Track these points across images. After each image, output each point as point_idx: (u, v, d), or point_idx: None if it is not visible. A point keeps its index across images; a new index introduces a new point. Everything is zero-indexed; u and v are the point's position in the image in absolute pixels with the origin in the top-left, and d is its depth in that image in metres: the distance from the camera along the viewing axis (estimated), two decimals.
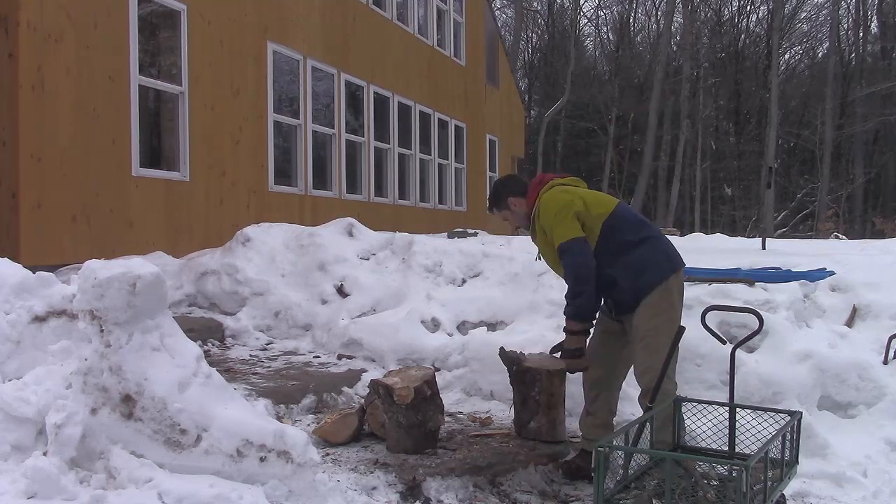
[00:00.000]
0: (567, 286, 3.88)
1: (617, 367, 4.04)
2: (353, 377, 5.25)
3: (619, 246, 3.81)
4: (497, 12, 31.90)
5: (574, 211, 3.82)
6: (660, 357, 3.59)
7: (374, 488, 3.45)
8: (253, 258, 6.76)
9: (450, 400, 4.90)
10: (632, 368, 3.95)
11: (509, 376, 4.28)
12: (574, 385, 4.61)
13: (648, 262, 3.80)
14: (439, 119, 16.20)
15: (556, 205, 3.87)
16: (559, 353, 4.08)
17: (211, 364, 3.22)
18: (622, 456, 3.29)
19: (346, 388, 5.06)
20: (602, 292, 3.89)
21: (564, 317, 3.93)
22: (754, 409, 3.91)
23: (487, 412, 4.77)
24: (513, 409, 4.31)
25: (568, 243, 3.79)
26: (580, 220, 3.82)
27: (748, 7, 40.98)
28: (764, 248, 10.60)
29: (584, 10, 51.79)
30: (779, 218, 32.19)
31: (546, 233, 3.90)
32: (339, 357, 5.77)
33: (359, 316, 6.13)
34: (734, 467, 3.05)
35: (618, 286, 3.82)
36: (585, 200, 3.89)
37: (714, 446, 3.82)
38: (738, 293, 5.42)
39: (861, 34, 38.69)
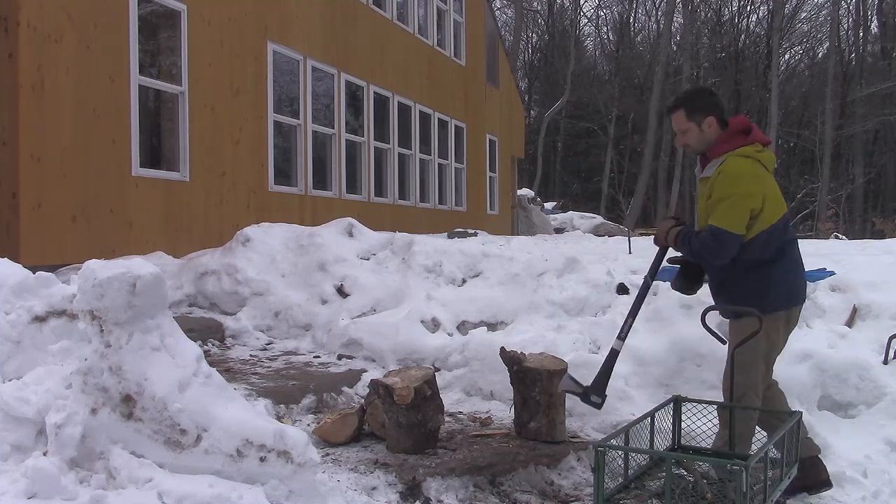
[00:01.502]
0: (698, 245, 3.61)
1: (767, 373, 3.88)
2: (353, 377, 5.25)
3: (752, 258, 3.59)
4: (497, 12, 31.90)
5: (751, 206, 3.51)
6: (748, 376, 3.56)
7: (374, 488, 3.45)
8: (253, 258, 6.76)
9: (450, 400, 4.90)
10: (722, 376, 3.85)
11: (510, 376, 4.28)
12: None
13: (771, 286, 3.60)
14: (439, 119, 16.19)
15: (740, 184, 3.51)
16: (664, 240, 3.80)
17: (211, 364, 3.22)
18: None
19: (346, 388, 5.06)
20: (727, 289, 3.71)
21: (686, 232, 3.67)
22: (754, 409, 3.91)
23: (487, 412, 4.77)
24: (513, 409, 4.31)
25: (725, 233, 3.50)
26: (752, 215, 3.52)
27: (748, 7, 41.01)
28: None
29: (584, 10, 51.82)
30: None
31: (713, 195, 3.56)
32: (339, 357, 5.77)
33: (359, 316, 6.13)
34: (734, 467, 3.05)
35: (734, 287, 3.65)
36: (766, 199, 3.56)
37: None
38: None
39: (861, 34, 38.72)
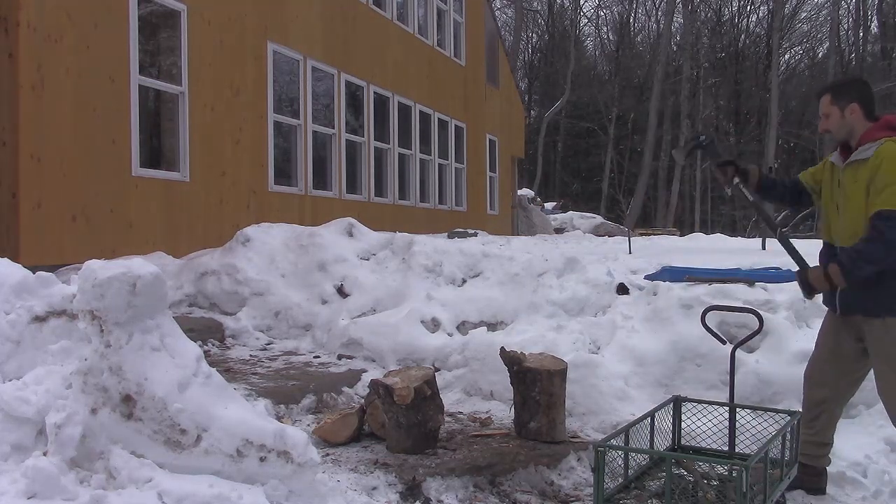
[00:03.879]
0: (864, 248, 3.39)
1: (847, 389, 3.79)
2: (353, 377, 5.25)
3: None
4: (497, 12, 31.89)
5: None
6: None
7: (374, 488, 3.45)
8: (253, 258, 6.76)
9: (450, 400, 4.90)
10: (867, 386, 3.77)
11: (509, 377, 4.28)
12: (574, 385, 4.62)
13: None
14: (439, 119, 16.19)
15: None
16: (797, 275, 3.69)
17: (211, 364, 3.22)
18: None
19: (346, 388, 5.06)
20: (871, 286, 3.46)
21: (840, 261, 3.47)
22: (754, 409, 3.92)
23: (487, 412, 4.77)
24: (513, 409, 4.31)
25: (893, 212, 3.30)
26: None
27: (748, 7, 41.04)
28: (764, 248, 10.60)
29: (584, 10, 51.82)
30: (779, 218, 32.15)
31: (874, 181, 3.38)
32: (339, 357, 5.77)
33: (359, 316, 6.13)
34: (734, 467, 3.05)
35: (881, 287, 3.43)
36: None
37: (714, 446, 3.82)
38: (738, 293, 5.43)
39: (861, 34, 38.73)
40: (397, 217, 13.85)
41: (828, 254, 3.70)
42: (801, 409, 3.88)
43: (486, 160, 19.18)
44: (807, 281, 3.63)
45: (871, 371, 3.70)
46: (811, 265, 3.71)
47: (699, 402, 3.88)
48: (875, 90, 4.00)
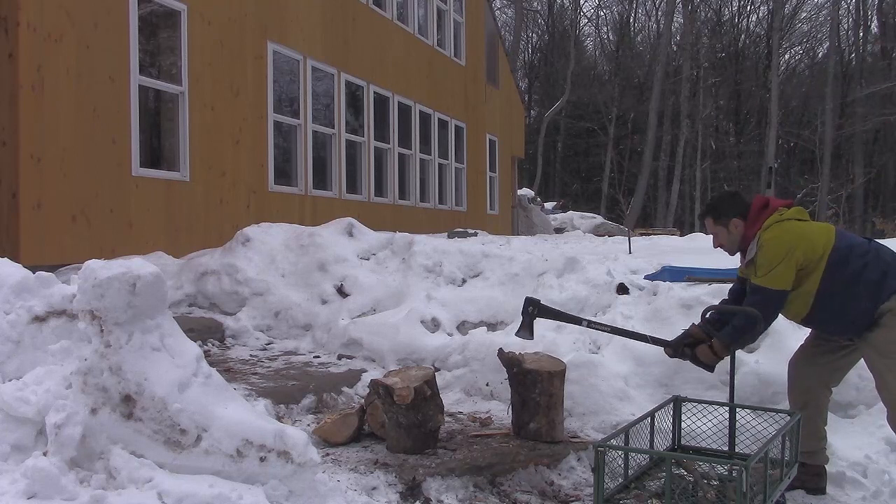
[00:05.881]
0: (743, 318, 3.76)
1: (830, 379, 3.97)
2: (353, 377, 5.25)
3: (852, 273, 3.69)
4: (497, 12, 31.90)
5: (795, 259, 3.67)
6: None
7: (374, 488, 3.45)
8: (253, 258, 6.76)
9: (450, 400, 4.90)
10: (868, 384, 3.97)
11: (509, 378, 4.28)
12: (574, 385, 4.62)
13: (886, 269, 3.69)
14: (439, 119, 16.20)
15: (780, 247, 3.69)
16: (688, 354, 4.00)
17: (211, 364, 3.22)
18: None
19: (346, 388, 5.06)
20: (835, 320, 3.77)
21: (720, 337, 3.83)
22: (754, 409, 3.92)
23: (487, 412, 4.77)
24: (511, 410, 4.31)
25: (771, 291, 3.69)
26: (799, 267, 3.69)
27: (748, 7, 41.05)
28: None
29: (584, 10, 51.84)
30: None
31: (755, 262, 3.77)
32: (339, 357, 5.77)
33: (359, 316, 6.13)
34: (734, 467, 3.05)
35: (858, 304, 3.69)
36: (811, 241, 3.71)
37: (714, 446, 3.82)
38: None
39: (861, 34, 38.73)
40: (397, 217, 13.85)
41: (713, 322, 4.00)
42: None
43: (486, 160, 19.18)
44: (702, 362, 3.95)
45: (863, 369, 3.92)
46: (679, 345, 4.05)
47: (699, 402, 3.88)
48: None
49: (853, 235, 3.97)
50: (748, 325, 3.73)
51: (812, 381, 3.94)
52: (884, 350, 3.70)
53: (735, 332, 3.78)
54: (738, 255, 4.05)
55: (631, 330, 4.52)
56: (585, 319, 4.31)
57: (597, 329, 4.32)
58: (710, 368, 3.97)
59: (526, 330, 4.25)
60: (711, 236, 4.04)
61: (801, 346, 4.04)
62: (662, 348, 4.15)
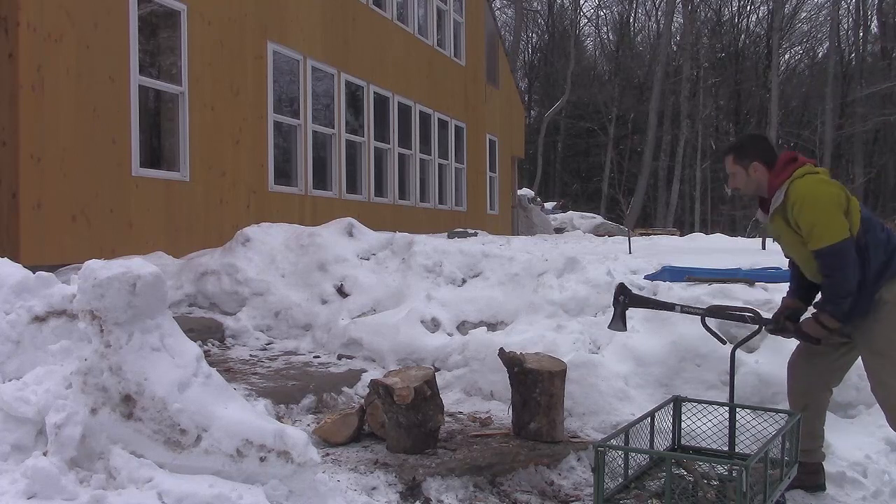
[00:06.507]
0: (830, 285, 3.60)
1: (830, 378, 3.92)
2: (353, 377, 5.25)
3: (874, 240, 3.61)
4: (497, 12, 31.90)
5: (841, 206, 3.53)
6: None
7: (374, 488, 3.45)
8: (253, 258, 6.76)
9: (450, 400, 4.90)
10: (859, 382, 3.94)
11: (509, 378, 4.28)
12: (574, 385, 4.62)
13: (893, 253, 3.60)
14: (439, 119, 16.19)
15: (821, 198, 3.54)
16: (791, 328, 3.86)
17: (211, 364, 3.22)
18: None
19: (346, 388, 5.06)
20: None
21: (823, 308, 3.66)
22: (754, 409, 3.92)
23: (487, 412, 4.77)
24: (511, 409, 4.31)
25: (838, 245, 3.50)
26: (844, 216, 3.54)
27: (748, 7, 41.05)
28: (764, 248, 10.60)
29: (584, 10, 51.85)
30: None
31: (800, 226, 3.59)
32: (339, 357, 5.77)
33: (359, 316, 6.13)
34: (734, 467, 3.05)
35: (868, 273, 3.59)
36: (847, 194, 3.60)
37: (714, 446, 3.82)
38: (738, 293, 5.43)
39: (861, 34, 38.73)
40: (397, 217, 13.85)
41: (798, 290, 3.96)
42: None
43: (486, 160, 19.19)
44: (807, 334, 3.79)
45: (863, 369, 3.83)
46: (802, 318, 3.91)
47: (699, 402, 3.88)
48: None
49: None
50: (839, 292, 3.56)
51: (812, 381, 3.91)
52: (876, 348, 3.68)
53: (833, 302, 3.60)
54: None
55: (727, 307, 4.28)
56: (678, 305, 4.13)
57: (690, 313, 4.14)
58: (817, 341, 3.76)
59: (619, 321, 4.09)
60: (729, 177, 3.90)
61: (799, 347, 4.01)
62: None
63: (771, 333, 4.03)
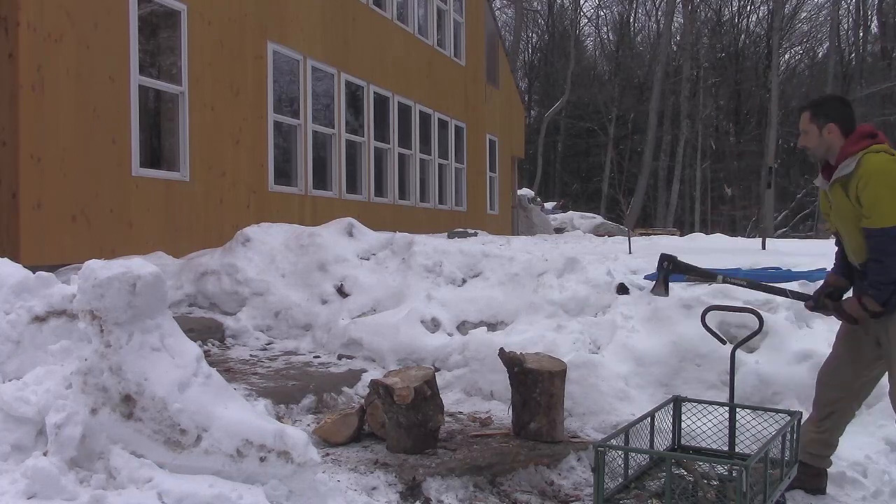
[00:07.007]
0: (877, 269, 3.49)
1: (861, 390, 3.84)
2: (353, 377, 5.25)
3: None
4: (497, 12, 31.89)
5: None
6: None
7: (374, 488, 3.45)
8: (253, 258, 6.76)
9: (450, 400, 4.90)
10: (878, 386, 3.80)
11: (510, 378, 4.28)
12: (574, 385, 4.62)
13: None
14: (439, 119, 16.20)
15: (892, 178, 3.41)
16: (831, 306, 3.78)
17: (211, 364, 3.22)
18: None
19: (346, 388, 5.06)
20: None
21: (866, 291, 3.56)
22: (754, 409, 3.92)
23: (487, 412, 4.77)
24: (511, 409, 4.31)
25: (891, 230, 3.38)
26: None
27: (748, 7, 41.05)
28: (764, 248, 10.60)
29: (584, 10, 51.85)
30: (779, 218, 32.23)
31: (861, 201, 3.46)
32: (339, 357, 5.77)
33: (359, 316, 6.13)
34: (734, 467, 3.05)
35: None
36: None
37: (714, 446, 3.82)
38: (738, 293, 5.42)
39: (861, 34, 38.74)
40: (397, 217, 13.85)
41: (842, 267, 3.82)
42: (800, 410, 3.88)
43: (486, 160, 19.19)
44: (848, 314, 3.69)
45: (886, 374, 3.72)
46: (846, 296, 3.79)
47: (699, 402, 3.88)
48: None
49: None
50: (885, 278, 3.46)
51: (842, 395, 3.80)
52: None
53: (876, 287, 3.50)
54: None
55: (768, 284, 4.23)
56: (720, 275, 4.08)
57: (733, 284, 4.11)
58: (855, 321, 3.67)
59: (661, 286, 4.08)
60: (801, 134, 3.74)
61: (833, 355, 3.87)
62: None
63: (810, 311, 3.93)
